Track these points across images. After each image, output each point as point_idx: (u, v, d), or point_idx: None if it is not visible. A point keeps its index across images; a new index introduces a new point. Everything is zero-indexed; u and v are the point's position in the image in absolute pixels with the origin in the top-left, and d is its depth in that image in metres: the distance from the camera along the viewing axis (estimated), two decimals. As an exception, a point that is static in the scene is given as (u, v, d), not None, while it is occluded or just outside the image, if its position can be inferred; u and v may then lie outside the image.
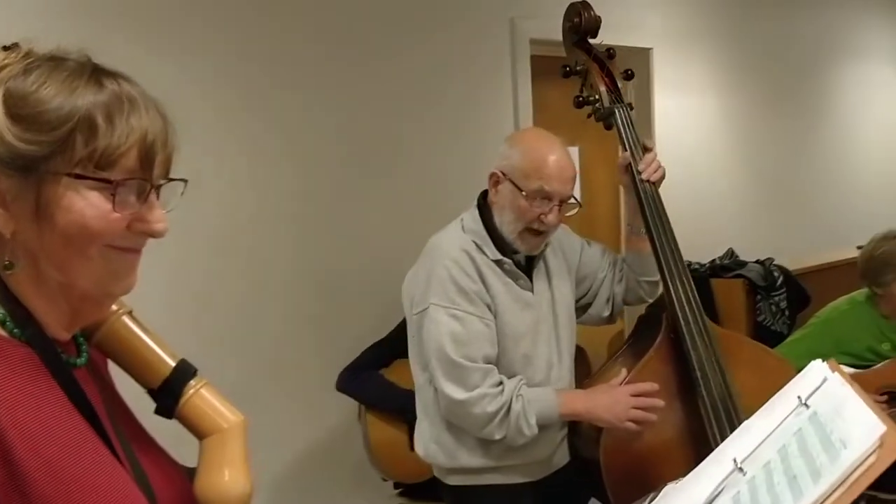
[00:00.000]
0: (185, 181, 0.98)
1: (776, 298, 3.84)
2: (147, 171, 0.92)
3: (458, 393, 1.96)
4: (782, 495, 0.72)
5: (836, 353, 2.83)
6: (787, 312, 3.84)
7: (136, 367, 1.08)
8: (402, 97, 3.52)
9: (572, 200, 2.09)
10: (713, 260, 4.25)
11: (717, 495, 0.87)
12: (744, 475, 0.85)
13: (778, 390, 2.19)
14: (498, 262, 2.06)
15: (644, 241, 2.27)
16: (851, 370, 2.78)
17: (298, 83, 3.21)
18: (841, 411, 0.75)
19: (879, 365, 2.81)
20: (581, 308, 2.30)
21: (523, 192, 2.02)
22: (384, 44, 3.47)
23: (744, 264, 4.04)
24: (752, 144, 5.15)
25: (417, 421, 2.20)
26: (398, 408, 2.88)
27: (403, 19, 3.54)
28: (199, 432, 1.10)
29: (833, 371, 0.87)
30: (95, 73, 0.91)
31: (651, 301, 2.36)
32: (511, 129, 3.97)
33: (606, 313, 2.34)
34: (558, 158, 2.04)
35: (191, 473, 1.14)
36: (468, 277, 2.00)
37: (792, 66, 5.48)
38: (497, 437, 1.98)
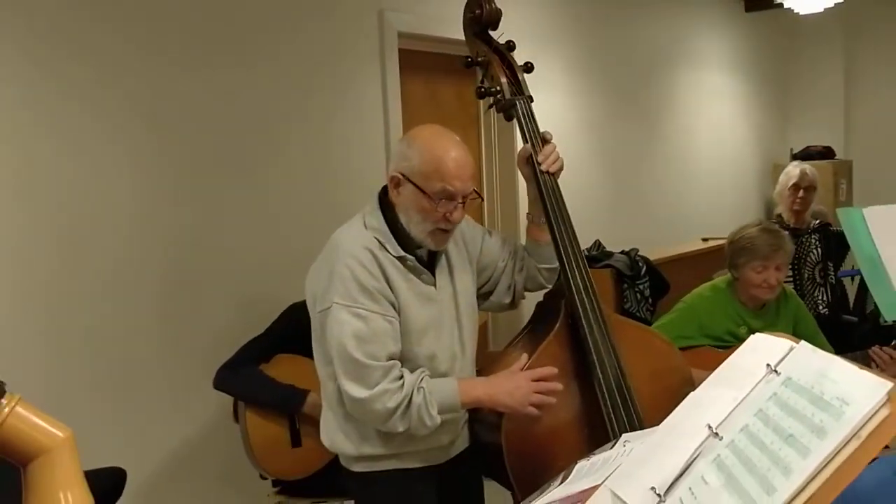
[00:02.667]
0: None
1: (641, 287, 4.05)
2: None
3: (358, 391, 1.96)
4: (782, 452, 0.76)
5: (699, 335, 3.03)
6: (650, 299, 4.06)
7: None
8: (270, 91, 3.44)
9: (475, 193, 2.09)
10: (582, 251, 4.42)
11: (692, 462, 0.91)
12: (720, 440, 0.90)
13: (662, 370, 2.34)
14: (401, 259, 2.05)
15: (543, 230, 2.32)
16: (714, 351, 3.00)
17: (165, 76, 3.08)
18: (826, 373, 0.80)
19: (737, 346, 3.01)
20: (483, 296, 2.33)
21: (426, 194, 2.01)
22: (253, 38, 3.39)
23: (611, 255, 4.24)
24: (605, 144, 5.41)
25: (323, 412, 2.19)
26: (279, 403, 2.82)
27: (272, 12, 3.46)
28: (21, 457, 0.95)
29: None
30: None
31: (550, 287, 2.43)
32: (381, 123, 3.97)
33: (507, 300, 2.37)
34: (457, 156, 2.03)
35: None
36: (371, 275, 1.99)
37: (637, 71, 5.79)
38: (400, 429, 1.99)
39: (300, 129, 3.57)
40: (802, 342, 0.91)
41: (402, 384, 1.98)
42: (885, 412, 0.68)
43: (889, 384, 0.69)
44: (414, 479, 2.14)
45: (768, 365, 0.91)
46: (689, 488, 0.87)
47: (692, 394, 1.10)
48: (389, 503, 2.16)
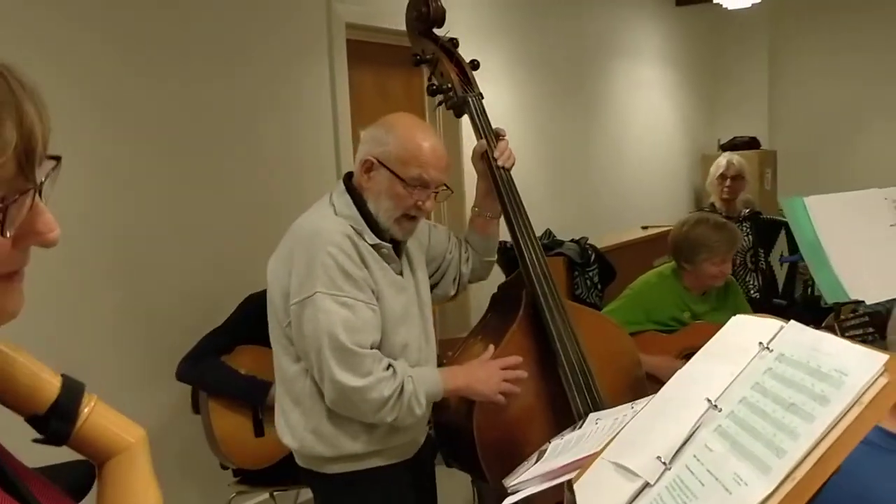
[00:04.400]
0: (59, 158, 0.78)
1: (590, 274, 4.18)
2: (30, 173, 0.72)
3: (353, 380, 1.92)
4: (786, 419, 0.84)
5: (646, 321, 3.14)
6: (599, 286, 4.19)
7: (15, 393, 0.92)
8: (217, 81, 3.42)
9: (445, 187, 2.12)
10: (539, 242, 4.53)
11: (693, 432, 0.99)
12: (719, 411, 0.98)
13: (616, 352, 2.45)
14: (376, 247, 2.04)
15: (491, 223, 2.38)
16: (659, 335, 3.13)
17: (116, 71, 3.04)
18: (819, 347, 0.88)
19: (680, 330, 3.15)
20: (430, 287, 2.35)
21: (402, 180, 2.01)
22: (199, 28, 3.35)
23: (561, 243, 4.35)
24: (547, 134, 5.52)
25: (283, 412, 2.12)
26: (242, 394, 2.83)
27: (218, 1, 3.43)
28: (100, 455, 0.97)
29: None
30: None
31: (485, 280, 2.50)
32: (329, 114, 3.99)
33: (452, 292, 2.42)
34: (435, 146, 2.05)
35: (87, 472, 1.05)
36: (354, 263, 1.97)
37: (574, 63, 5.93)
38: (388, 419, 1.98)
39: (248, 120, 3.56)
40: (792, 321, 1.00)
41: (394, 372, 1.98)
42: (883, 380, 0.77)
43: (885, 356, 0.78)
44: (391, 476, 2.14)
45: (760, 343, 1.00)
46: (694, 455, 0.95)
47: (681, 370, 1.19)
48: (374, 502, 2.14)
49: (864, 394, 0.78)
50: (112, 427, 0.97)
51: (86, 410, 0.95)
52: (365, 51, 4.20)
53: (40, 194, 0.75)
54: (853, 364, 0.82)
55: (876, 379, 0.78)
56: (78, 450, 0.97)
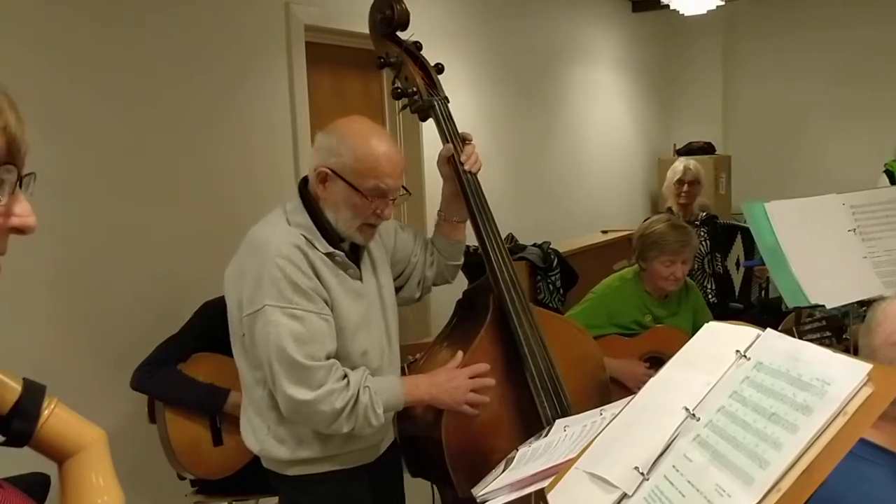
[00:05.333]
0: (33, 174, 0.87)
1: (553, 278, 4.18)
2: (15, 161, 0.82)
3: (303, 394, 1.90)
4: (768, 430, 0.83)
5: (608, 324, 3.16)
6: (561, 290, 4.20)
7: None
8: (172, 84, 3.34)
9: (403, 190, 2.10)
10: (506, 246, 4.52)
11: (671, 442, 0.97)
12: (697, 420, 0.97)
13: (581, 356, 2.44)
14: (329, 255, 2.01)
15: (457, 227, 2.37)
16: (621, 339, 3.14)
17: (61, 71, 2.94)
18: (798, 357, 0.88)
19: (642, 334, 3.16)
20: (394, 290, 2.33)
21: (359, 191, 1.98)
22: (154, 28, 3.26)
23: (524, 248, 4.35)
24: (508, 138, 5.53)
25: (246, 416, 2.11)
26: (199, 402, 2.77)
27: (174, 1, 3.36)
28: (61, 454, 1.03)
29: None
30: None
31: (450, 283, 2.48)
32: (287, 117, 3.93)
33: (417, 295, 2.40)
34: (390, 154, 2.02)
35: (42, 483, 1.07)
36: (303, 274, 1.93)
37: (533, 67, 5.94)
38: (345, 430, 1.96)
39: (205, 124, 3.49)
40: (768, 329, 0.99)
41: (348, 383, 1.95)
42: (867, 391, 0.76)
43: (869, 365, 0.78)
44: (349, 478, 2.13)
45: (737, 351, 0.99)
46: (673, 465, 0.94)
47: (654, 378, 1.17)
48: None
49: (848, 404, 0.77)
50: (72, 427, 1.02)
51: (46, 412, 0.99)
52: (323, 53, 4.15)
53: (21, 184, 0.83)
54: (835, 373, 0.81)
55: (860, 388, 0.77)
56: (39, 450, 1.01)
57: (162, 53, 3.30)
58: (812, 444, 0.77)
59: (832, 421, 0.76)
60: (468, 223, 2.34)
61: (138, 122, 3.21)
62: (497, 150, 5.39)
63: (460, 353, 2.15)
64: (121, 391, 2.83)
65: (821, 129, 7.69)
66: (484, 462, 2.03)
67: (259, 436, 2.08)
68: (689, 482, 0.89)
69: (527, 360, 2.20)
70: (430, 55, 2.37)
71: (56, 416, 1.00)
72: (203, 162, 3.47)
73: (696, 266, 4.26)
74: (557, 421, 1.89)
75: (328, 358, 1.96)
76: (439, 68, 2.40)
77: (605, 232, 5.74)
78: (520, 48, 5.75)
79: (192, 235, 3.40)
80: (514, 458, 1.81)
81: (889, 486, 1.21)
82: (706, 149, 7.61)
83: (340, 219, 2.02)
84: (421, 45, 2.39)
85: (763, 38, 7.90)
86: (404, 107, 2.37)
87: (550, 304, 4.19)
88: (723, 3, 6.08)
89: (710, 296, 4.29)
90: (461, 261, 2.44)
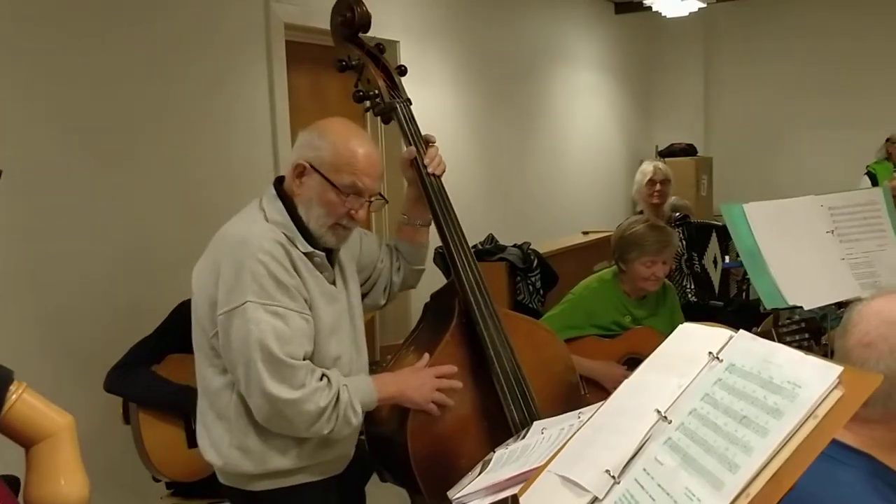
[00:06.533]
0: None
1: (532, 279, 4.17)
2: None
3: (286, 392, 1.85)
4: (738, 433, 0.82)
5: (587, 325, 3.15)
6: (541, 291, 4.19)
7: None
8: (151, 81, 3.30)
9: (380, 196, 2.06)
10: (475, 245, 4.50)
11: (643, 445, 0.96)
12: (669, 423, 0.96)
13: (548, 358, 2.42)
14: (309, 255, 1.98)
15: (420, 232, 2.34)
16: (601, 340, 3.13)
17: (32, 65, 2.89)
18: (770, 359, 0.86)
19: (621, 335, 3.16)
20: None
21: (335, 187, 1.95)
22: (132, 26, 3.22)
23: (504, 248, 4.34)
24: (487, 140, 5.52)
25: (205, 427, 2.03)
26: (173, 404, 2.73)
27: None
28: (25, 440, 1.04)
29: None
30: None
31: (414, 288, 2.45)
32: (266, 115, 3.91)
33: (382, 301, 2.37)
34: (369, 153, 1.99)
35: (12, 484, 1.06)
36: (286, 271, 1.89)
37: (514, 69, 5.94)
38: (325, 431, 1.91)
39: (184, 121, 3.46)
40: (741, 331, 0.98)
41: (329, 382, 1.92)
42: (837, 393, 0.75)
43: (839, 368, 0.77)
44: (323, 490, 2.08)
45: (710, 353, 0.97)
46: (644, 469, 0.93)
47: (627, 380, 1.16)
48: None
49: (818, 407, 0.76)
50: (39, 412, 1.04)
51: (14, 397, 1.00)
52: (302, 52, 4.13)
53: None
54: (806, 376, 0.80)
55: (830, 392, 0.76)
56: (5, 433, 1.03)
57: (140, 51, 3.26)
58: (782, 447, 0.76)
59: (802, 424, 0.75)
60: (433, 226, 2.31)
61: (116, 119, 3.17)
62: (478, 150, 5.38)
63: (426, 356, 2.13)
64: (95, 393, 2.79)
65: (801, 131, 7.75)
66: (450, 466, 2.01)
67: (220, 448, 1.99)
68: (659, 486, 0.88)
69: (493, 363, 2.17)
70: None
71: (23, 402, 1.02)
72: (181, 160, 3.44)
73: (674, 267, 4.27)
74: (535, 423, 1.87)
75: (305, 359, 1.92)
76: (402, 70, 2.37)
77: (585, 233, 5.74)
78: (502, 48, 5.74)
79: (169, 236, 3.36)
80: (490, 460, 1.79)
81: (862, 489, 1.20)
82: (688, 150, 7.64)
83: (312, 216, 1.98)
84: (384, 47, 2.36)
85: (744, 42, 7.95)
86: (367, 109, 2.34)
87: (530, 305, 4.19)
88: (704, 5, 6.10)
89: (690, 295, 4.30)
90: (424, 266, 2.42)
